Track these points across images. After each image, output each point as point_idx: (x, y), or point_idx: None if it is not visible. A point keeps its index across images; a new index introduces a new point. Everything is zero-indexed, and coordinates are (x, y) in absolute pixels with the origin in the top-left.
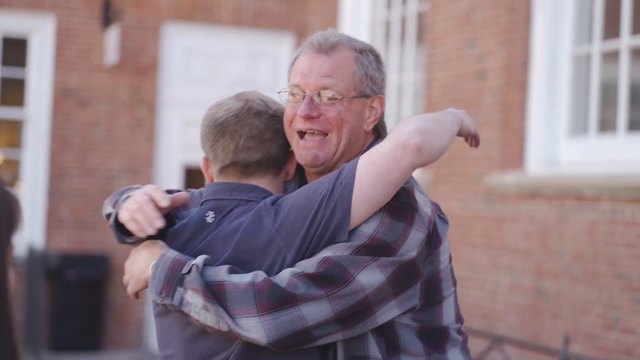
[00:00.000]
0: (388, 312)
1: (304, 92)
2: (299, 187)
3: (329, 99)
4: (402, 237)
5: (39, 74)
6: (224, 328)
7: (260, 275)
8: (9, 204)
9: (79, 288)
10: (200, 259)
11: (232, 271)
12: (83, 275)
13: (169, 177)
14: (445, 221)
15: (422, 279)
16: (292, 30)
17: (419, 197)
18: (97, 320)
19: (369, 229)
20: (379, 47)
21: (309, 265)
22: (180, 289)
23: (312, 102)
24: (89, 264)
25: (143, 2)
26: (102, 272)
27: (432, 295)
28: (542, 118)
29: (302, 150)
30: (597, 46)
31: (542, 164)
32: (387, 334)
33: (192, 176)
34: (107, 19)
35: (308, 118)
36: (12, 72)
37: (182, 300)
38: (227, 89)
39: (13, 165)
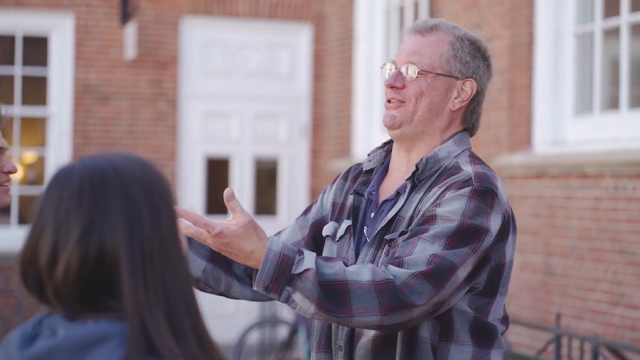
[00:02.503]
0: (460, 294)
1: (396, 66)
2: (381, 168)
3: (414, 73)
4: (486, 221)
5: (60, 72)
6: (334, 323)
7: (377, 272)
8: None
9: None
10: (311, 260)
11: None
12: None
13: (192, 170)
14: (514, 220)
15: (490, 264)
16: (309, 20)
17: (498, 183)
18: None
19: (457, 210)
20: (394, 33)
21: (419, 261)
22: (288, 289)
23: (399, 74)
24: None
25: None
26: None
27: (491, 285)
28: (548, 98)
29: (385, 114)
30: (599, 23)
31: (548, 143)
32: (444, 318)
33: (214, 167)
34: (126, 15)
35: (391, 87)
36: (33, 71)
37: (289, 298)
38: (247, 80)
39: (38, 164)
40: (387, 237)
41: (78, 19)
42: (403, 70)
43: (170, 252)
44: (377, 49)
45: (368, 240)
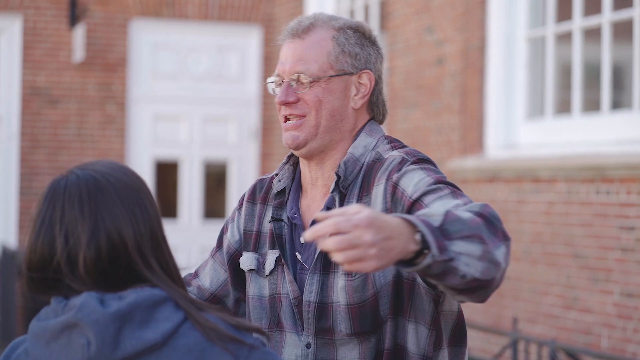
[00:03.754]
0: None
1: (283, 80)
2: (292, 185)
3: (305, 82)
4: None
5: (8, 74)
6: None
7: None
8: None
9: None
10: (441, 209)
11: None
12: None
13: (141, 172)
14: None
15: None
16: (258, 22)
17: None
18: None
19: (421, 179)
20: None
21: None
22: (447, 243)
23: (289, 87)
24: None
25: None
26: None
27: None
28: (500, 102)
29: (284, 134)
30: (551, 28)
31: (500, 147)
32: (438, 325)
33: (163, 171)
34: (74, 17)
35: (285, 104)
36: None
37: (455, 263)
38: (196, 82)
39: None
40: None
41: (26, 21)
42: (293, 83)
43: (159, 239)
44: None
45: (307, 267)
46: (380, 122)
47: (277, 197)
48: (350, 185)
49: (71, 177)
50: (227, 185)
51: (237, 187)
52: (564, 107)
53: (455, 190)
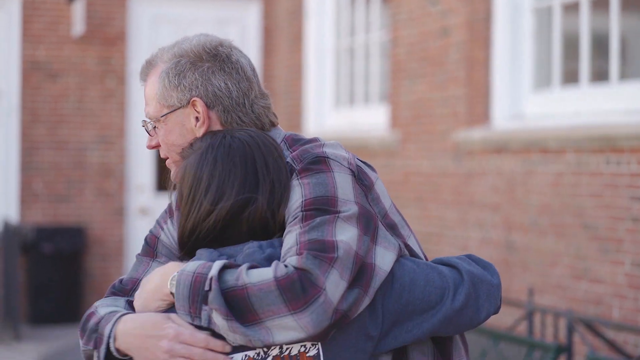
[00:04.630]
0: (384, 258)
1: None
2: None
3: (152, 127)
4: (331, 186)
5: (7, 48)
6: (259, 345)
7: (279, 267)
8: None
9: (56, 261)
10: (216, 267)
11: (251, 267)
12: (59, 247)
13: (142, 147)
14: (370, 167)
15: (378, 219)
16: None
17: (326, 148)
18: (75, 292)
19: (297, 198)
20: (344, 7)
21: (293, 249)
22: (206, 308)
23: (152, 132)
24: (64, 237)
25: None
26: (79, 244)
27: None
28: (506, 73)
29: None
30: None
31: (507, 118)
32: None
33: None
34: None
35: (151, 148)
36: None
37: (209, 320)
38: None
39: None
40: None
41: None
42: (149, 129)
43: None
44: (328, 23)
45: None
46: (268, 128)
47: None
48: None
49: (241, 135)
50: None
51: None
52: (571, 77)
53: (305, 222)
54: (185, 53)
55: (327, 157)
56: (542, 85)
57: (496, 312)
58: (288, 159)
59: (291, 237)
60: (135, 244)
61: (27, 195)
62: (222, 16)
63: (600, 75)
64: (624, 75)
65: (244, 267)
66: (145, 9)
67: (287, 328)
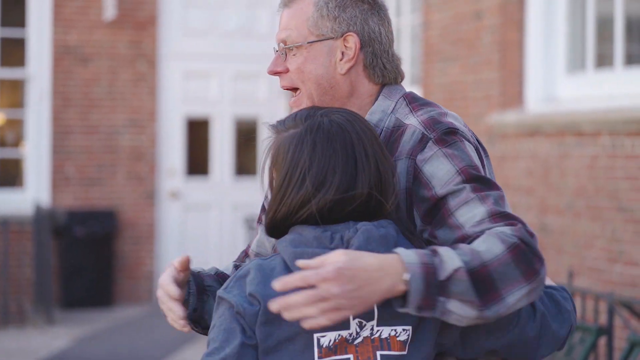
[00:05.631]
0: None
1: (276, 49)
2: None
3: (287, 50)
4: (468, 154)
5: (39, 33)
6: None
7: (503, 238)
8: None
9: (88, 244)
10: (453, 257)
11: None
12: (91, 231)
13: (172, 131)
14: (482, 144)
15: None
16: None
17: (450, 118)
18: (107, 276)
19: (449, 168)
20: None
21: (486, 220)
22: (441, 299)
23: (279, 57)
24: (96, 220)
25: None
26: (110, 228)
27: None
28: (539, 55)
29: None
30: None
31: (541, 101)
32: None
33: (194, 128)
34: None
35: (274, 73)
36: (11, 32)
37: (444, 309)
38: (226, 39)
39: (17, 125)
40: None
41: None
42: (281, 52)
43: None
44: None
45: None
46: (395, 83)
47: None
48: None
49: (338, 117)
50: (257, 143)
51: None
52: (605, 60)
53: (480, 193)
54: None
55: (457, 129)
56: (576, 68)
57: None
58: (412, 121)
59: (475, 208)
60: (166, 227)
61: (58, 179)
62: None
63: (634, 58)
64: None
65: (464, 247)
66: None
67: (520, 299)
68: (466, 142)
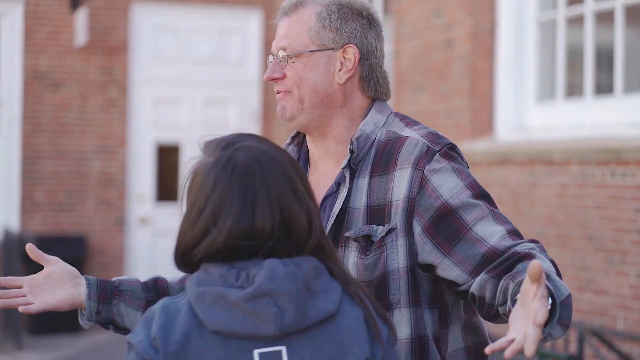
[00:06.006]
0: None
1: (274, 56)
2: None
3: (287, 58)
4: (472, 175)
5: (9, 58)
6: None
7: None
8: None
9: None
10: (563, 284)
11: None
12: (60, 256)
13: (143, 156)
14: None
15: None
16: (259, 5)
17: (445, 137)
18: None
19: (457, 182)
20: None
21: (507, 237)
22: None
23: (276, 64)
24: (66, 246)
25: None
26: (80, 253)
27: None
28: (510, 84)
29: (277, 107)
30: (562, 11)
31: (511, 130)
32: (439, 301)
33: (164, 154)
34: (76, 1)
35: (271, 79)
36: None
37: (550, 333)
38: (197, 66)
39: None
40: (349, 234)
41: (28, 4)
42: (279, 59)
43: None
44: None
45: None
46: (385, 99)
47: None
48: (360, 162)
49: (253, 153)
50: None
51: None
52: (574, 90)
53: (492, 210)
54: (347, 4)
55: (456, 146)
56: (546, 98)
57: None
58: (411, 134)
59: (492, 224)
60: (135, 253)
61: (28, 204)
62: (223, 26)
63: (604, 87)
64: (628, 88)
65: (551, 265)
66: (147, 18)
67: None
68: (463, 159)
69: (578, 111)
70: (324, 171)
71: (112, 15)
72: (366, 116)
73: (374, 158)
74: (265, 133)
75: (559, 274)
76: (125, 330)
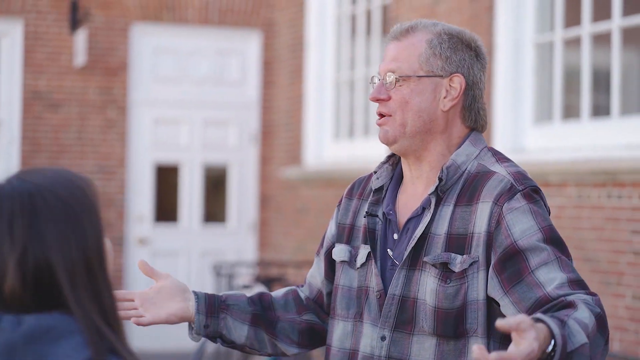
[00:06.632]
0: None
1: (379, 78)
2: (390, 184)
3: (395, 81)
4: (548, 216)
5: (9, 78)
6: None
7: (592, 309)
8: None
9: None
10: (581, 333)
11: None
12: None
13: (142, 177)
14: None
15: None
16: (258, 26)
17: (531, 179)
18: None
19: (532, 224)
20: (345, 40)
21: (566, 285)
22: None
23: (382, 85)
24: None
25: (110, 4)
26: None
27: None
28: (507, 107)
29: (379, 131)
30: (559, 33)
31: (509, 152)
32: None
33: (163, 174)
34: (75, 21)
35: (376, 100)
36: None
37: None
38: (197, 86)
39: None
40: (427, 259)
41: (27, 25)
42: (385, 81)
43: (94, 265)
44: (328, 56)
45: (398, 263)
46: (482, 130)
47: (375, 194)
48: (448, 190)
49: (6, 187)
50: (226, 189)
51: (237, 190)
52: (572, 112)
53: (559, 256)
54: (458, 34)
55: (540, 190)
56: (543, 120)
57: None
58: (499, 170)
59: (555, 271)
60: (134, 273)
61: None
62: (223, 47)
63: (601, 109)
64: (625, 110)
65: (579, 320)
66: (146, 39)
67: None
68: (546, 204)
69: (575, 133)
70: (412, 193)
71: (111, 36)
72: (461, 146)
73: (461, 188)
74: (264, 154)
75: (602, 328)
76: (232, 344)
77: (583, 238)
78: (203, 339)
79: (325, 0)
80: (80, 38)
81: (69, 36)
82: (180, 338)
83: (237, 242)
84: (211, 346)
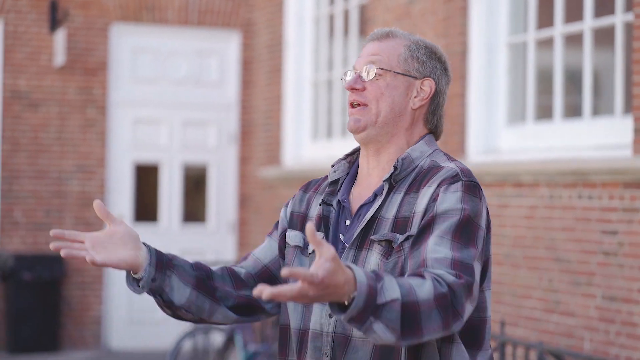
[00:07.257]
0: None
1: (356, 71)
2: (346, 178)
3: (374, 74)
4: (479, 212)
5: None
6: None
7: (435, 286)
8: None
9: (35, 289)
10: (394, 288)
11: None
12: (39, 275)
13: (121, 177)
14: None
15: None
16: (238, 27)
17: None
18: (54, 321)
19: (455, 205)
20: (323, 41)
21: (444, 265)
22: (371, 319)
23: (359, 77)
24: (44, 265)
25: (90, 3)
26: (58, 272)
27: (482, 280)
28: (481, 107)
29: (348, 119)
30: (532, 34)
31: (482, 152)
32: None
33: (143, 174)
34: (55, 21)
35: (352, 89)
36: None
37: (369, 328)
38: (176, 87)
39: None
40: (374, 237)
41: (7, 24)
42: (363, 72)
43: None
44: (307, 56)
45: (347, 245)
46: (437, 137)
47: (331, 186)
48: (400, 181)
49: None
50: (206, 189)
51: (216, 190)
52: (544, 112)
53: (459, 242)
54: (430, 46)
55: (481, 190)
56: (517, 120)
57: None
58: (451, 165)
59: (444, 247)
60: (114, 273)
61: (6, 223)
62: (202, 48)
63: (573, 110)
64: (597, 110)
65: (406, 280)
66: (125, 39)
67: (433, 337)
68: (484, 204)
69: (547, 133)
70: (367, 185)
71: (91, 36)
72: (417, 143)
73: (412, 180)
74: (243, 154)
75: (442, 307)
76: (169, 304)
77: (554, 238)
78: (178, 338)
79: (303, 0)
80: (60, 38)
81: (49, 36)
82: (157, 337)
83: (216, 241)
84: (187, 344)
